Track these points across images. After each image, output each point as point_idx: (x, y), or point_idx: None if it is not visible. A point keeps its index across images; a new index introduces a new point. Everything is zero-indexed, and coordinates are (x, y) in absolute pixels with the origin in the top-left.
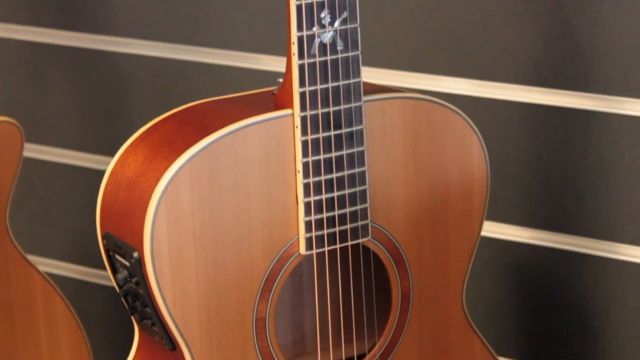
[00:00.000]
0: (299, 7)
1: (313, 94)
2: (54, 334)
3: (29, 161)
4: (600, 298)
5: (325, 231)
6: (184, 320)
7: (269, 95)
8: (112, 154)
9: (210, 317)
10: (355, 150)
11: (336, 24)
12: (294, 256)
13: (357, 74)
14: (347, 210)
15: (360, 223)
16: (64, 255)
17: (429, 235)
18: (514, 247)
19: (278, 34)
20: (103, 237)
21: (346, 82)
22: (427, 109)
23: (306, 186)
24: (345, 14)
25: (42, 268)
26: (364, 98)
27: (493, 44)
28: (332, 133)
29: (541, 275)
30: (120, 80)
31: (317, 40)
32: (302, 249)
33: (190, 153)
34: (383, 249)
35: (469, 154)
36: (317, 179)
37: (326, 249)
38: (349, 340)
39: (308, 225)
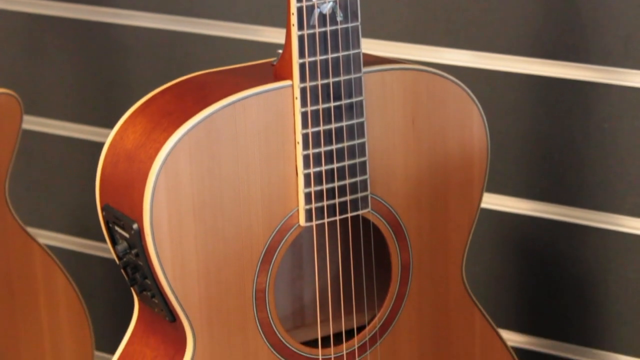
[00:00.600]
0: None
1: (313, 65)
2: (54, 307)
3: (28, 133)
4: (599, 269)
5: (325, 203)
6: (183, 292)
7: (269, 67)
8: (111, 126)
9: (209, 288)
10: (355, 121)
11: None
12: (294, 228)
13: (357, 45)
14: (347, 181)
15: (359, 195)
16: (64, 228)
17: (428, 207)
18: (514, 218)
19: (277, 5)
20: (102, 209)
21: (346, 53)
22: (427, 80)
23: (306, 158)
24: None
25: (41, 240)
26: (364, 69)
27: (493, 15)
28: (332, 104)
29: (541, 247)
30: (120, 52)
31: (316, 11)
32: (302, 221)
33: (189, 124)
34: (383, 220)
35: (469, 126)
36: (316, 150)
37: (326, 220)
38: (348, 312)
39: (308, 197)
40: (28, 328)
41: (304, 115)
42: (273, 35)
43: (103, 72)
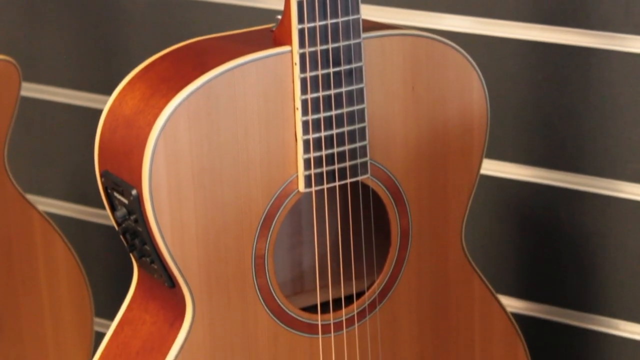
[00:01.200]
0: None
1: (312, 30)
2: (53, 273)
3: (27, 100)
4: (599, 235)
5: (324, 169)
6: (182, 258)
7: (268, 33)
8: (110, 92)
9: (209, 254)
10: (354, 87)
11: None
12: (293, 194)
13: (356, 10)
14: (346, 147)
15: (359, 161)
16: (63, 195)
17: (428, 172)
18: (514, 184)
19: None
20: (102, 175)
21: (345, 18)
22: (427, 46)
23: (305, 124)
24: None
25: (41, 207)
26: (363, 35)
27: None
28: (331, 70)
29: (540, 213)
30: (119, 19)
31: None
32: (301, 187)
33: (188, 90)
34: (382, 186)
35: (469, 92)
36: (315, 116)
37: (325, 186)
38: (348, 279)
39: (307, 163)
40: (28, 295)
41: (303, 81)
42: (272, 1)
43: (102, 38)
